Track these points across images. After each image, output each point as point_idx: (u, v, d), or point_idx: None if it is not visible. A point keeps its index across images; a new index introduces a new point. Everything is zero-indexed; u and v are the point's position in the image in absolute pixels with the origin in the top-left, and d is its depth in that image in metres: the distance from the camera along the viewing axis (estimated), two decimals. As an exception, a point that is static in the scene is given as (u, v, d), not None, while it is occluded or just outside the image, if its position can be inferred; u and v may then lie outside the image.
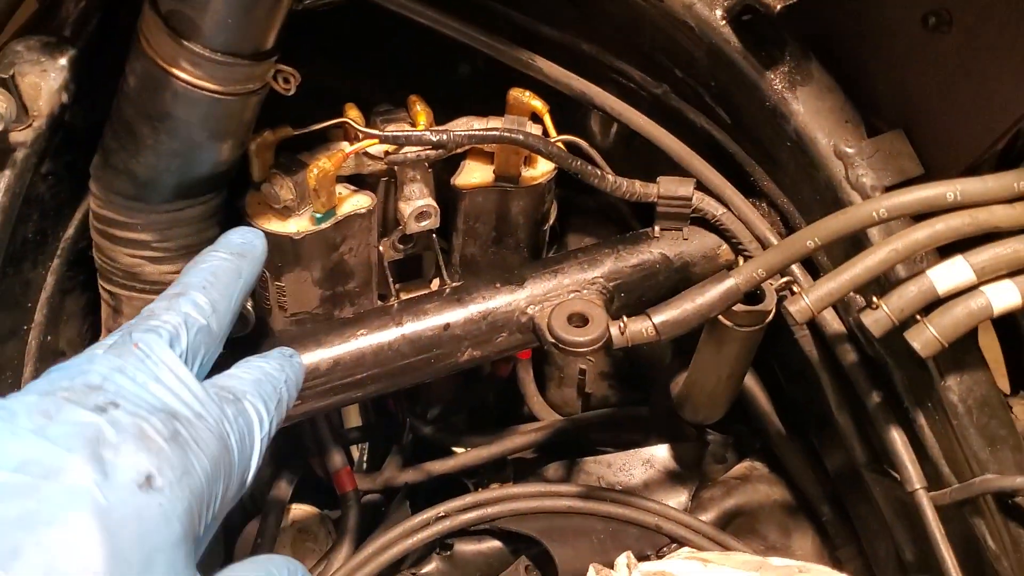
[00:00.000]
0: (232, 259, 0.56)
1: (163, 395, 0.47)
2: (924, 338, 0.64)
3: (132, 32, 0.60)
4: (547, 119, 0.75)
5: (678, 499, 0.88)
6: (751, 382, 0.89)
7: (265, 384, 0.54)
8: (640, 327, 0.68)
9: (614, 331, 0.68)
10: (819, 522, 0.87)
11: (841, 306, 0.74)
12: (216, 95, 0.60)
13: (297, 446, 0.97)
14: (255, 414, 0.51)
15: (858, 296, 0.72)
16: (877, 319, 0.65)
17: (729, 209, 0.76)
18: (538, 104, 0.75)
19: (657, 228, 0.77)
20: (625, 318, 0.68)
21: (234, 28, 0.58)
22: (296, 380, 0.58)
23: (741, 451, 0.93)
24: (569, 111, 0.85)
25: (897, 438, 0.71)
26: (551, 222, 0.91)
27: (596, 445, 0.96)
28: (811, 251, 0.65)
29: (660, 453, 0.91)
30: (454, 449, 1.02)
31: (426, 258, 0.82)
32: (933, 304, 0.65)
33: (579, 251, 0.77)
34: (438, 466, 0.96)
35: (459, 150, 0.74)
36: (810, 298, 0.64)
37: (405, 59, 0.89)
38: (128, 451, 0.43)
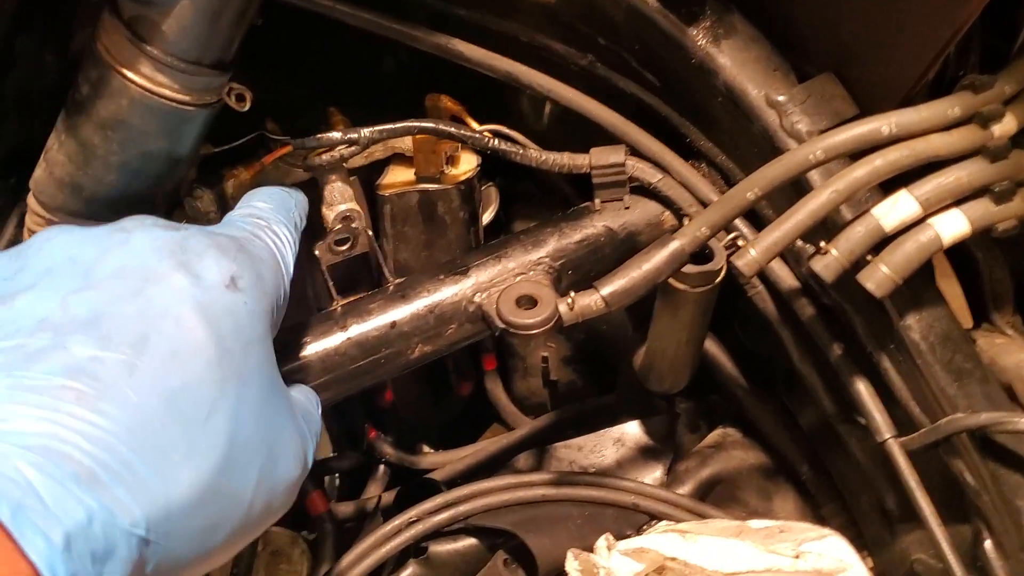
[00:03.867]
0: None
1: (218, 223, 0.56)
2: (877, 278, 0.63)
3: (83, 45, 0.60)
4: (466, 117, 0.75)
5: (653, 475, 0.86)
6: (714, 347, 0.87)
7: (283, 209, 0.61)
8: (589, 301, 0.66)
9: (563, 308, 0.66)
10: (799, 482, 0.85)
11: (792, 258, 0.72)
12: (174, 104, 0.59)
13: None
14: (285, 234, 0.59)
15: (807, 246, 0.70)
16: (827, 264, 0.63)
17: (668, 173, 0.74)
18: (454, 105, 0.76)
19: (597, 201, 0.75)
20: (573, 293, 0.66)
21: (198, 35, 0.58)
22: (303, 206, 0.64)
23: (713, 419, 0.91)
24: (497, 102, 0.84)
25: (863, 388, 0.70)
26: (490, 216, 0.89)
27: (567, 437, 0.94)
28: (752, 202, 0.63)
29: (631, 430, 0.89)
30: (426, 472, 1.00)
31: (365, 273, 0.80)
32: (882, 243, 0.64)
33: (521, 233, 0.75)
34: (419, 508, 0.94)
35: (378, 155, 0.75)
36: (756, 250, 0.62)
37: (328, 60, 0.87)
38: (211, 257, 0.50)
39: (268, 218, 0.59)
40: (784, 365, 0.78)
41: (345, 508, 0.96)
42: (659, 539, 0.66)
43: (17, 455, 0.39)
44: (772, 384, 0.86)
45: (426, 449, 1.05)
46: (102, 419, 0.42)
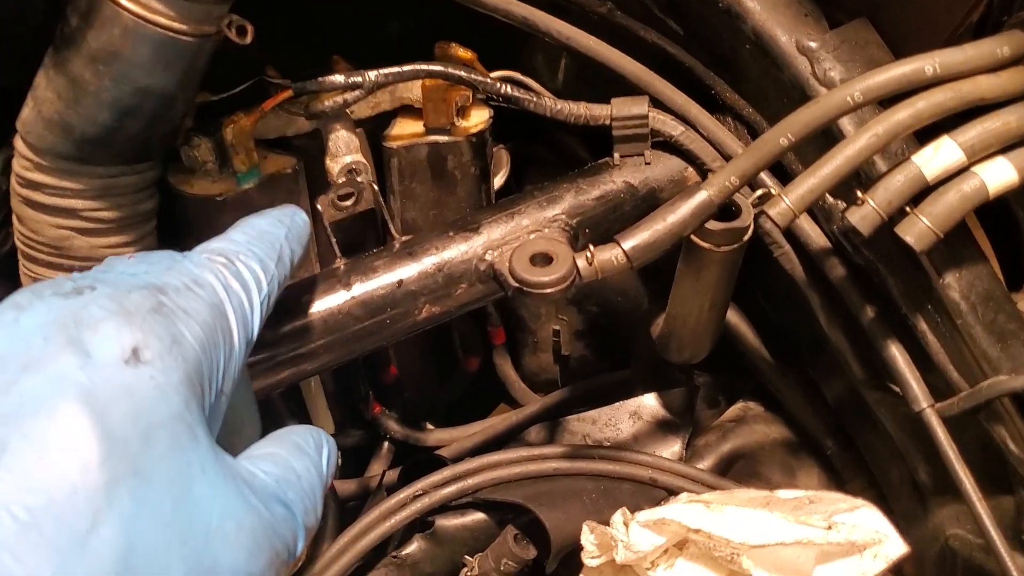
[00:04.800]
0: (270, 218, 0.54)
1: (145, 271, 0.45)
2: (917, 230, 0.59)
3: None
4: (477, 65, 0.72)
5: (671, 449, 0.82)
6: (736, 318, 0.83)
7: (261, 242, 0.51)
8: (609, 255, 0.62)
9: (581, 263, 0.62)
10: (824, 457, 0.81)
11: (822, 216, 0.68)
12: (170, 33, 0.55)
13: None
14: (250, 275, 0.48)
15: (839, 203, 0.67)
16: (864, 215, 0.59)
17: (692, 126, 0.70)
18: (465, 53, 0.72)
19: (617, 155, 0.71)
20: (592, 247, 0.62)
21: None
22: (299, 234, 0.55)
23: (733, 394, 0.87)
24: (509, 58, 0.80)
25: (897, 354, 0.66)
26: (500, 180, 0.86)
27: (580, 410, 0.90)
28: (785, 149, 0.59)
29: (648, 403, 0.85)
30: (433, 449, 0.96)
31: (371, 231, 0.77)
32: (922, 193, 0.59)
33: (536, 189, 0.71)
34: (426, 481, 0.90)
35: (385, 106, 0.71)
36: (791, 198, 0.58)
37: (332, 23, 0.83)
38: (108, 328, 0.41)
39: (235, 253, 0.49)
40: (810, 333, 0.75)
41: (347, 486, 0.92)
42: (681, 509, 0.62)
43: None
44: (796, 357, 0.82)
45: (431, 427, 1.01)
46: None
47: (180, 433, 0.41)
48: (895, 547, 0.60)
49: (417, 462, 0.85)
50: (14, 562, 0.35)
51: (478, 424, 0.96)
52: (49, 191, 0.61)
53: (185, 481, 0.41)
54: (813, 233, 0.68)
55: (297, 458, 0.47)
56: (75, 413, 0.38)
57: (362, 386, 0.97)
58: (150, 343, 0.41)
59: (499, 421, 0.94)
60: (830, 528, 0.60)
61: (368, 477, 0.93)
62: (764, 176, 0.67)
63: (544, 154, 0.92)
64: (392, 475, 0.91)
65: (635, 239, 0.62)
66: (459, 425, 0.97)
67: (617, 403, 0.85)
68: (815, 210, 0.68)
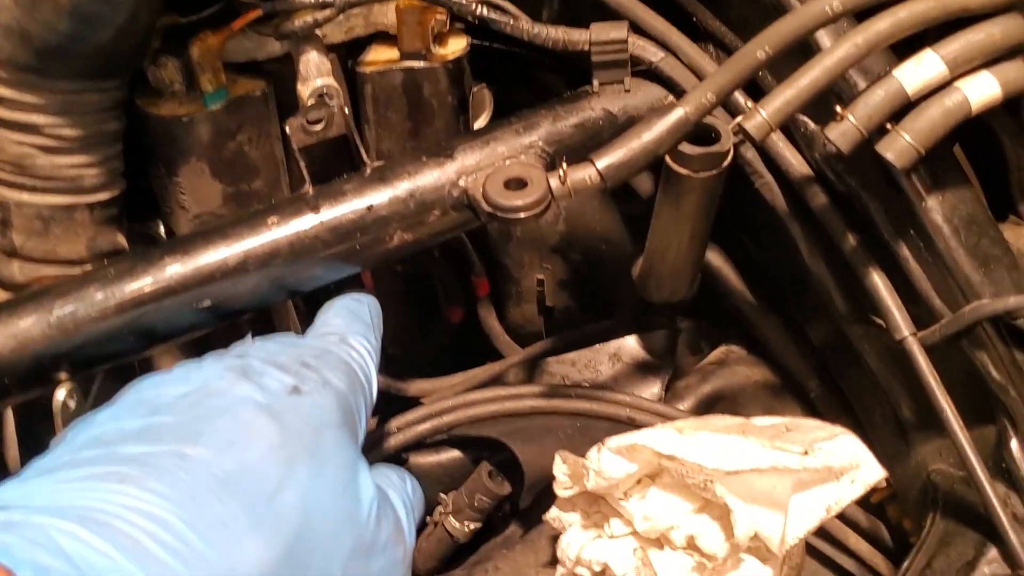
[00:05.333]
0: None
1: (285, 348, 0.55)
2: (898, 147, 0.57)
3: None
4: None
5: (651, 391, 0.80)
6: (719, 260, 0.82)
7: (356, 319, 0.61)
8: (583, 175, 0.60)
9: (554, 183, 0.61)
10: (807, 400, 0.79)
11: (804, 143, 0.67)
12: None
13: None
14: (362, 345, 0.58)
15: (819, 130, 0.65)
16: (844, 132, 0.57)
17: (672, 53, 0.68)
18: None
19: (596, 83, 0.69)
20: (565, 166, 0.60)
21: None
22: (376, 310, 0.64)
23: (715, 341, 0.86)
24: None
25: (879, 282, 0.64)
26: (483, 121, 0.84)
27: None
28: (762, 63, 0.58)
29: (628, 345, 0.83)
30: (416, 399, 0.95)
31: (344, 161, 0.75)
32: (903, 110, 0.58)
33: (513, 117, 0.69)
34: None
35: (359, 31, 0.70)
36: (767, 111, 0.57)
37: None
38: (272, 372, 0.51)
39: (342, 332, 0.58)
40: (793, 270, 0.73)
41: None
42: (653, 435, 0.61)
43: (51, 525, 0.38)
44: (780, 299, 0.80)
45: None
46: (150, 495, 0.41)
47: (344, 436, 0.51)
48: (872, 472, 0.59)
49: (393, 407, 0.83)
50: (218, 503, 0.43)
51: (460, 375, 0.95)
52: (9, 105, 0.60)
53: (352, 469, 0.50)
54: (795, 160, 0.67)
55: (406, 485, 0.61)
56: (256, 414, 0.47)
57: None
58: (306, 383, 0.51)
59: (482, 371, 0.92)
60: (806, 454, 0.58)
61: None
62: (740, 97, 0.65)
63: (526, 96, 0.90)
64: (371, 422, 0.90)
65: (609, 158, 0.60)
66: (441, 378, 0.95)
67: (597, 345, 0.83)
68: (796, 137, 0.67)
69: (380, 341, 0.62)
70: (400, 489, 0.59)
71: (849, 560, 0.72)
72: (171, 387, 0.50)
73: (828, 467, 0.58)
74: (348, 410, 0.53)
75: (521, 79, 0.91)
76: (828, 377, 0.78)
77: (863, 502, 0.70)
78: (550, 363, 0.84)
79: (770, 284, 0.80)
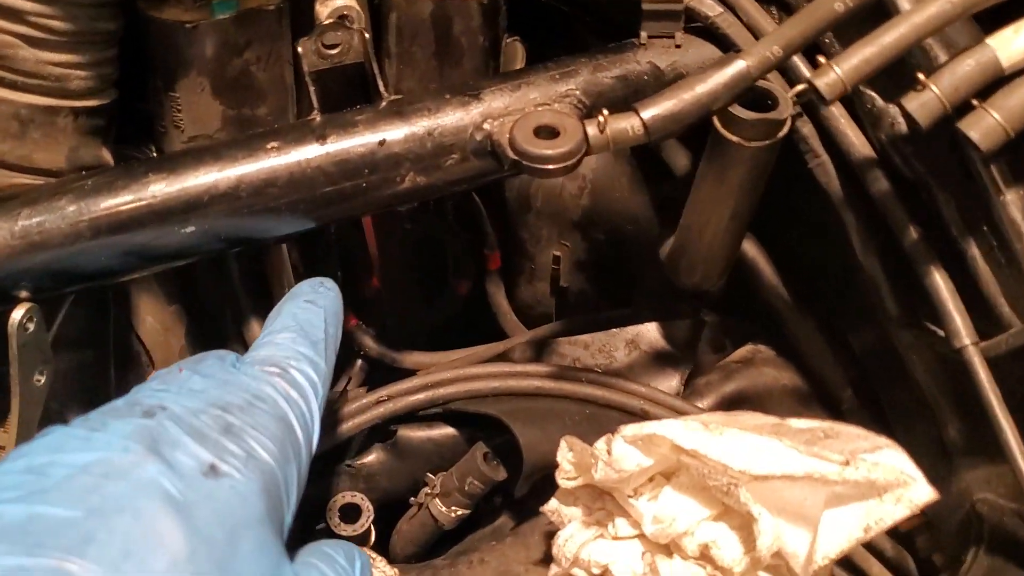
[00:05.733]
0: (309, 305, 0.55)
1: (202, 389, 0.47)
2: (984, 126, 0.50)
3: None
4: None
5: (668, 384, 0.74)
6: (754, 251, 0.75)
7: (304, 337, 0.52)
8: (625, 124, 0.54)
9: (591, 131, 0.54)
10: (837, 411, 0.73)
11: (869, 121, 0.60)
12: None
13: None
14: (305, 381, 0.50)
15: (891, 107, 0.58)
16: (924, 103, 0.51)
17: (731, 10, 0.62)
18: None
19: (644, 34, 0.63)
20: (606, 113, 0.54)
21: None
22: (335, 310, 0.56)
23: (742, 339, 0.79)
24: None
25: (940, 282, 0.58)
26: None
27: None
28: (840, 16, 0.51)
29: (647, 332, 0.76)
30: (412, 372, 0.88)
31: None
32: (994, 84, 0.51)
33: (550, 62, 0.63)
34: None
35: None
36: (842, 68, 0.50)
37: None
38: (187, 444, 0.43)
39: (285, 360, 0.50)
40: (840, 265, 0.66)
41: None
42: (676, 426, 0.54)
43: None
44: (820, 299, 0.74)
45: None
46: None
47: (265, 536, 0.43)
48: (922, 492, 0.52)
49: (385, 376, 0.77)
50: None
51: (461, 351, 0.88)
52: None
53: None
54: (857, 140, 0.60)
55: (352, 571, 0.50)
56: (161, 512, 0.39)
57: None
58: (226, 459, 0.43)
59: (484, 349, 0.85)
60: (847, 464, 0.51)
61: (334, 392, 0.85)
62: (800, 64, 0.59)
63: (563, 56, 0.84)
64: (360, 391, 0.83)
65: (656, 108, 0.54)
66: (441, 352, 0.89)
67: (613, 329, 0.76)
68: (861, 113, 0.60)
69: (336, 350, 0.54)
70: None
71: (869, 592, 0.65)
72: (67, 454, 0.41)
73: (871, 481, 0.51)
74: (274, 491, 0.45)
75: (558, 38, 0.84)
76: (865, 388, 0.71)
77: (891, 529, 0.64)
78: (561, 343, 0.77)
79: (810, 280, 0.73)
